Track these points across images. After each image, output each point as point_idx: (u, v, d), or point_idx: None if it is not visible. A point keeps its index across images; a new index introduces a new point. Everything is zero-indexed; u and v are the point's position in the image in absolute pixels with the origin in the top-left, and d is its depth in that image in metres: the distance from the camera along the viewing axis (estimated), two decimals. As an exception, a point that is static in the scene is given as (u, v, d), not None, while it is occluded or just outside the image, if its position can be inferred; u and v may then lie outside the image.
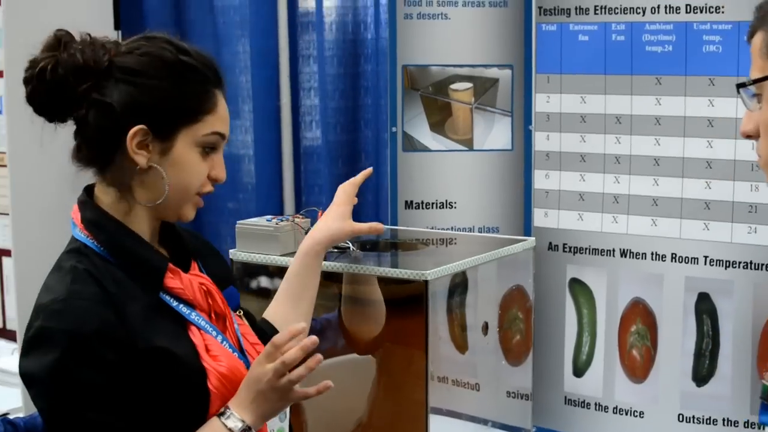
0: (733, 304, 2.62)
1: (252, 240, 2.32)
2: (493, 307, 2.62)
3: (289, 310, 2.01)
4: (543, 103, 2.83)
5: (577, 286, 2.84)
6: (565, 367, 2.87)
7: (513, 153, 2.93)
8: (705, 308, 2.66)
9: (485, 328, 2.52)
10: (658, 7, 2.63)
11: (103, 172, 1.65)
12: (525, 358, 2.72)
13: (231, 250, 2.36)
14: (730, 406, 2.63)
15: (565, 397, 2.88)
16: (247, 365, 1.69)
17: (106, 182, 1.65)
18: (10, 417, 2.10)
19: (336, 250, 2.37)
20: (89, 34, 1.62)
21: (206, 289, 1.70)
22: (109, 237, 1.62)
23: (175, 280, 1.65)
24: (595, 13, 2.72)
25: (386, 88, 3.39)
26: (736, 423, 2.63)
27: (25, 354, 1.55)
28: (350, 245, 2.38)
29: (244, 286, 2.41)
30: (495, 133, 2.94)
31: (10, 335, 3.58)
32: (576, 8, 2.75)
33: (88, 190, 1.68)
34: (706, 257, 2.64)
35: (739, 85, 1.57)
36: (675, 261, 2.68)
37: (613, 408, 2.80)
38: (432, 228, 2.90)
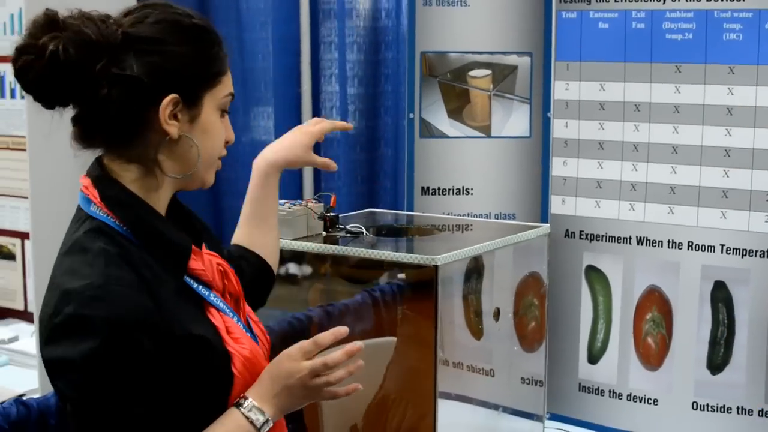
0: (749, 293, 2.62)
1: (266, 223, 2.33)
2: (508, 293, 2.62)
3: (256, 230, 1.96)
4: (562, 90, 2.83)
5: (593, 273, 2.84)
6: (579, 353, 2.87)
7: (531, 140, 2.93)
8: (721, 296, 2.65)
9: (497, 314, 2.52)
10: (678, -6, 2.63)
11: (125, 149, 1.55)
12: (539, 344, 2.73)
13: (246, 234, 2.37)
14: (745, 395, 2.63)
15: (580, 384, 2.88)
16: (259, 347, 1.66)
17: (125, 159, 1.55)
18: (24, 398, 2.13)
19: (349, 235, 2.38)
20: (79, 10, 1.52)
21: (223, 269, 1.66)
22: (135, 217, 1.54)
23: (197, 261, 1.60)
24: (615, 1, 2.71)
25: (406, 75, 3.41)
26: (750, 411, 2.63)
27: (54, 341, 1.45)
28: (363, 230, 2.39)
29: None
30: (513, 120, 2.94)
31: (31, 318, 3.63)
32: (596, -5, 2.74)
33: (100, 163, 1.58)
34: (722, 245, 2.63)
35: None
36: (691, 249, 2.68)
37: (627, 395, 2.80)
38: (448, 214, 2.90)
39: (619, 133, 2.75)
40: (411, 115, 2.92)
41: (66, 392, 1.47)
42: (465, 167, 2.95)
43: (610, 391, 2.82)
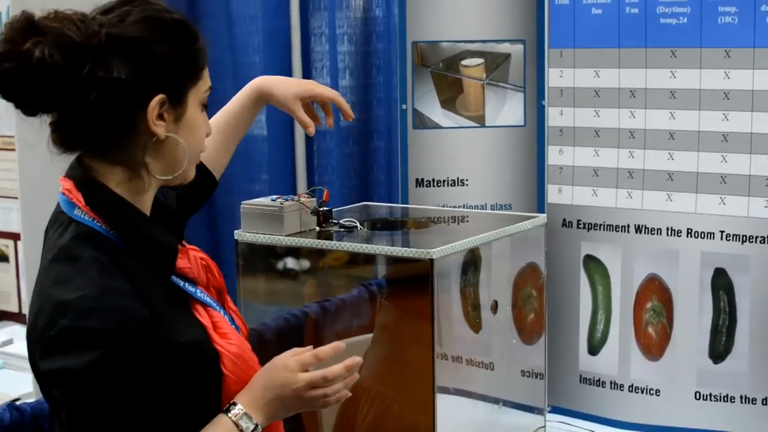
0: (750, 280, 2.58)
1: (257, 220, 2.31)
2: (506, 285, 2.60)
3: (219, 144, 2.01)
4: (556, 77, 2.79)
5: (592, 262, 2.81)
6: (579, 345, 2.84)
7: (526, 129, 2.89)
8: (721, 284, 2.62)
9: (494, 306, 2.49)
10: (672, -22, 2.59)
11: (110, 152, 1.52)
12: (539, 336, 2.70)
13: (236, 231, 2.35)
14: (748, 383, 2.60)
15: (580, 376, 2.85)
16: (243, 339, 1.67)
17: (109, 162, 1.52)
18: (18, 403, 2.10)
19: (343, 230, 2.35)
20: (55, 10, 1.48)
21: (206, 264, 1.65)
22: (122, 221, 1.52)
23: (183, 259, 1.59)
24: (609, -14, 2.68)
25: (398, 66, 3.37)
26: (754, 400, 2.59)
27: (51, 353, 1.43)
28: (357, 224, 2.36)
29: (251, 266, 2.40)
30: (507, 109, 2.90)
31: (25, 320, 3.59)
32: (588, -19, 2.71)
33: (82, 163, 1.55)
34: (722, 232, 2.60)
35: None
36: (691, 236, 2.64)
37: (629, 386, 2.77)
38: (443, 206, 2.87)
39: (615, 120, 2.72)
40: (404, 106, 2.89)
41: (65, 402, 1.45)
42: (459, 158, 2.91)
43: (611, 383, 2.79)
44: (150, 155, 1.53)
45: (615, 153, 2.73)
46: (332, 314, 2.55)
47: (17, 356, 3.44)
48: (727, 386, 2.62)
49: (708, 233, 2.62)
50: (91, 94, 1.44)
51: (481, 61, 2.87)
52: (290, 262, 2.43)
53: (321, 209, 2.35)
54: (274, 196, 2.33)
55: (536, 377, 2.71)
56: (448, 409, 2.29)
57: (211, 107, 3.68)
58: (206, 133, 1.63)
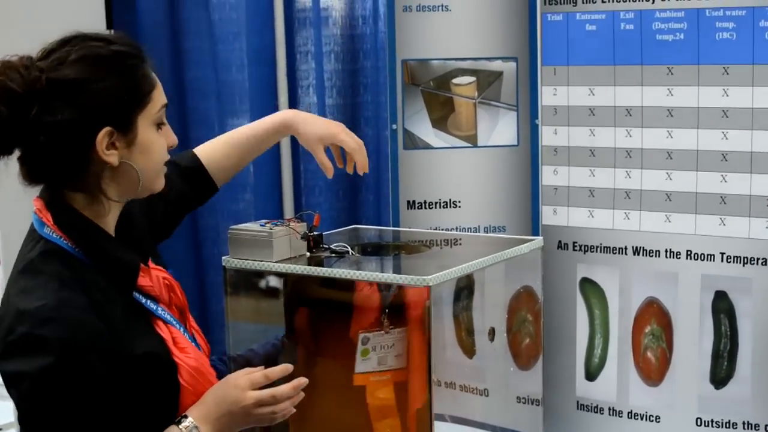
0: (751, 303, 2.53)
1: (245, 246, 2.22)
2: (500, 309, 2.53)
3: (229, 158, 2.16)
4: (549, 96, 2.73)
5: (589, 286, 2.75)
6: (576, 370, 2.78)
7: (519, 149, 2.84)
8: (722, 307, 2.57)
9: (492, 333, 2.42)
10: (668, -7, 2.54)
11: (70, 183, 1.64)
12: (534, 361, 2.63)
13: (224, 257, 2.26)
14: (751, 409, 2.54)
15: (577, 402, 2.79)
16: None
17: (70, 189, 1.65)
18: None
19: (334, 255, 2.27)
20: (2, 60, 1.59)
21: (168, 283, 1.75)
22: (86, 239, 1.64)
23: (145, 278, 1.70)
24: (603, 2, 2.62)
25: (386, 85, 3.31)
26: (757, 426, 2.54)
27: (8, 356, 1.56)
28: (349, 249, 2.28)
29: (238, 293, 2.32)
30: (500, 129, 2.85)
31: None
32: (582, -4, 2.66)
33: (54, 187, 1.67)
34: (722, 254, 2.54)
35: None
36: (690, 258, 2.58)
37: (628, 413, 2.71)
38: (435, 228, 2.81)
39: (611, 139, 2.66)
40: (394, 126, 2.83)
41: (18, 403, 1.59)
42: (451, 179, 2.86)
43: (609, 409, 2.73)
44: (106, 181, 1.65)
45: (611, 173, 2.67)
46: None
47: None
48: (729, 412, 2.57)
49: (708, 255, 2.56)
50: (39, 137, 1.56)
51: (472, 79, 2.82)
52: (277, 290, 2.35)
53: (311, 234, 2.27)
54: (263, 221, 2.25)
55: (532, 403, 2.64)
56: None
57: (195, 126, 3.64)
58: (169, 145, 1.73)
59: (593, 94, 2.67)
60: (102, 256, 1.65)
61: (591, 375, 2.76)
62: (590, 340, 2.75)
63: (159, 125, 1.69)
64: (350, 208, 3.46)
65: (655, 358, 2.66)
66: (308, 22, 3.41)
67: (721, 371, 2.58)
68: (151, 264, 1.76)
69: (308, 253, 2.27)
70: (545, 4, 2.70)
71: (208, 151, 2.16)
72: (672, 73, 2.56)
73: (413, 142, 2.84)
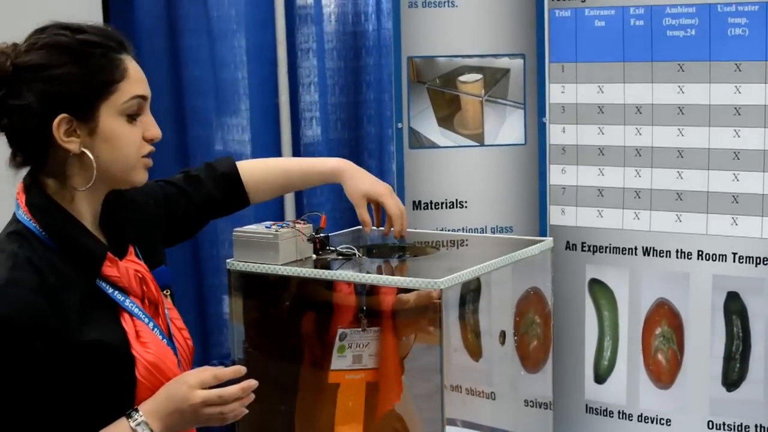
0: (764, 303, 2.49)
1: (251, 249, 2.18)
2: (508, 311, 2.48)
3: (271, 184, 2.21)
4: (558, 93, 2.69)
5: (598, 287, 2.71)
6: (585, 373, 2.75)
7: (526, 147, 2.80)
8: (734, 308, 2.53)
9: (503, 336, 2.37)
10: (679, -12, 2.50)
11: (42, 166, 1.69)
12: (543, 364, 2.59)
13: (228, 260, 2.22)
14: (763, 412, 2.51)
15: (586, 405, 2.75)
16: (175, 352, 1.76)
17: (43, 173, 1.70)
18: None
19: (341, 257, 2.22)
20: None
21: (141, 276, 1.76)
22: (52, 223, 1.67)
23: (112, 268, 1.71)
24: (611, -3, 2.59)
25: (389, 82, 3.27)
26: (769, 430, 2.50)
27: None
28: (356, 252, 2.23)
29: (243, 296, 2.27)
30: (507, 127, 2.81)
31: None
32: (591, -8, 2.62)
33: (34, 171, 1.71)
34: (734, 254, 2.51)
35: None
36: (702, 259, 2.55)
37: (638, 416, 2.67)
38: (442, 229, 2.77)
39: (620, 138, 2.63)
40: (399, 125, 2.79)
41: None
42: (458, 178, 2.83)
43: (619, 412, 2.70)
44: (72, 168, 1.68)
45: (621, 172, 2.63)
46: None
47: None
48: (741, 415, 2.53)
49: (720, 255, 2.53)
50: (3, 120, 1.64)
51: (479, 76, 2.78)
52: (282, 293, 2.30)
53: (318, 236, 2.22)
54: (269, 223, 2.21)
55: (540, 407, 2.60)
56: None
57: (194, 125, 3.59)
58: (151, 137, 1.75)
59: (602, 92, 2.64)
60: (65, 241, 1.68)
61: (600, 378, 2.73)
62: (599, 342, 2.72)
63: (131, 116, 1.71)
64: (353, 209, 3.41)
65: (666, 360, 2.62)
66: (309, 18, 3.37)
67: (733, 373, 2.54)
68: (130, 256, 1.77)
69: (314, 256, 2.23)
70: (553, -1, 2.67)
71: (251, 167, 2.20)
72: (683, 70, 2.52)
73: (419, 141, 2.80)
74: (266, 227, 2.19)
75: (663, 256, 2.60)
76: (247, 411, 1.73)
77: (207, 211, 2.14)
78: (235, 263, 2.21)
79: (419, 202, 2.81)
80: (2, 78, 1.63)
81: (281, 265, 2.15)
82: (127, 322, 1.70)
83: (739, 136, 2.47)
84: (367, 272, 2.12)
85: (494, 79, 2.79)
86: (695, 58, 2.50)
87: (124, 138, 1.70)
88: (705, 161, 2.52)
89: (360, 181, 2.23)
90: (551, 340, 2.56)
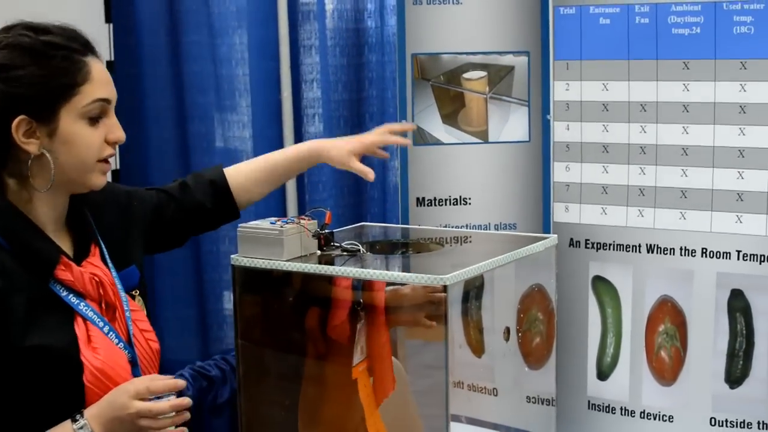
0: (767, 301, 2.48)
1: (255, 244, 2.17)
2: (511, 308, 2.48)
3: (254, 183, 2.20)
4: (562, 91, 2.69)
5: (601, 284, 2.71)
6: (588, 369, 2.74)
7: (530, 145, 2.80)
8: (738, 306, 2.53)
9: (507, 332, 2.37)
10: (685, -14, 2.50)
11: (3, 166, 1.71)
12: (545, 361, 2.58)
13: (233, 256, 2.21)
14: (766, 409, 2.51)
15: (589, 402, 2.75)
16: (132, 356, 1.77)
17: (6, 173, 1.72)
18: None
19: (345, 254, 2.22)
20: None
21: (98, 280, 1.76)
22: (5, 225, 1.69)
23: (66, 272, 1.72)
24: (616, -5, 2.59)
25: (391, 79, 3.27)
26: (773, 427, 2.50)
27: None
28: (360, 248, 2.23)
29: (247, 292, 2.27)
30: (511, 124, 2.81)
31: None
32: (596, -11, 2.61)
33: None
34: (738, 252, 2.51)
35: None
36: (705, 256, 2.55)
37: (641, 412, 2.67)
38: (445, 226, 2.77)
39: (625, 135, 2.62)
40: (403, 122, 2.77)
41: None
42: (462, 175, 2.83)
43: (621, 409, 2.69)
44: (35, 170, 1.70)
45: (625, 169, 2.63)
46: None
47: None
48: (744, 412, 2.53)
49: (724, 253, 2.52)
50: None
51: (483, 74, 2.77)
52: (287, 289, 2.30)
53: (322, 232, 2.22)
54: (273, 219, 2.20)
55: (542, 403, 2.59)
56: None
57: (194, 121, 3.58)
58: (114, 140, 1.76)
59: (607, 89, 2.63)
60: (17, 244, 1.69)
61: (603, 374, 2.72)
62: (602, 339, 2.71)
63: (93, 119, 1.72)
64: (355, 205, 3.42)
65: (669, 357, 2.62)
66: (312, 15, 3.36)
67: (737, 370, 2.54)
68: (92, 258, 1.78)
69: (319, 252, 2.22)
70: (557, -3, 2.67)
71: (237, 171, 2.21)
72: (688, 68, 2.52)
73: (423, 138, 2.80)
74: (271, 223, 2.18)
75: (667, 254, 2.60)
76: (182, 429, 1.74)
77: (195, 217, 2.15)
78: (240, 259, 2.20)
79: (423, 198, 2.81)
80: None
81: (286, 260, 2.15)
82: (80, 327, 1.71)
83: (744, 134, 2.47)
84: (371, 268, 2.11)
85: (498, 77, 2.79)
86: (700, 56, 2.49)
87: (84, 141, 1.72)
88: (710, 159, 2.52)
89: (341, 145, 2.22)
90: (554, 336, 2.56)
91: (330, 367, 2.29)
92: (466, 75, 2.79)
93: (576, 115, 2.68)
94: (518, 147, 2.81)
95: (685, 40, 2.50)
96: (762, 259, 2.48)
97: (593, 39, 2.63)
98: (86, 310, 1.73)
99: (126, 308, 1.81)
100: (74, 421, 1.67)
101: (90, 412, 1.68)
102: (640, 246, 2.63)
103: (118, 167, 3.56)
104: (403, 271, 2.19)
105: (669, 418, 2.63)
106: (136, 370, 1.78)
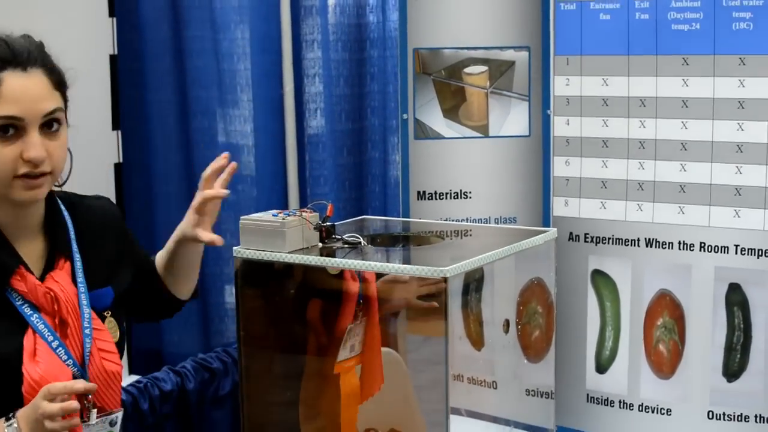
0: (765, 295, 2.50)
1: (257, 236, 2.18)
2: (511, 301, 2.49)
3: (165, 273, 2.13)
4: (562, 86, 2.71)
5: (600, 277, 2.72)
6: (587, 363, 2.75)
7: (531, 139, 2.81)
8: (736, 299, 2.54)
9: (506, 325, 2.39)
10: (684, -18, 2.51)
11: None
12: (544, 354, 2.59)
13: (235, 248, 2.22)
14: (763, 402, 2.52)
15: (587, 395, 2.76)
16: (82, 374, 1.76)
17: None
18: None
19: (347, 246, 2.23)
20: None
21: (53, 295, 1.76)
22: None
23: (21, 282, 1.73)
24: (617, -9, 2.60)
25: (393, 74, 3.28)
26: (769, 420, 2.51)
27: None
28: (361, 240, 2.24)
29: (248, 284, 2.28)
30: (512, 119, 2.81)
31: None
32: (596, -15, 2.62)
33: None
34: (736, 246, 2.52)
35: None
36: (704, 250, 2.56)
37: (639, 406, 2.69)
38: (446, 219, 2.78)
39: (624, 130, 2.63)
40: (405, 116, 2.79)
41: None
42: (462, 169, 2.83)
43: (620, 402, 2.71)
44: None
45: (624, 164, 2.64)
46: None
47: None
48: (741, 405, 2.55)
49: (722, 247, 2.54)
50: None
51: (484, 68, 2.78)
52: (288, 282, 2.31)
53: (324, 224, 2.23)
54: (275, 211, 2.21)
55: (542, 396, 2.61)
56: (455, 429, 2.18)
57: (196, 115, 3.59)
58: (28, 158, 1.70)
59: (606, 85, 2.65)
60: None
61: (602, 367, 2.74)
62: (601, 333, 2.73)
63: (4, 135, 1.68)
64: (356, 199, 3.43)
65: (667, 350, 2.63)
66: (314, 10, 3.37)
67: (734, 364, 2.55)
68: (58, 271, 1.79)
69: (320, 244, 2.24)
70: (558, -8, 2.68)
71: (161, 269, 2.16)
72: (687, 64, 2.53)
73: (424, 132, 2.81)
74: (273, 215, 2.20)
75: (665, 248, 2.61)
76: None
77: (138, 312, 2.14)
78: (242, 251, 2.21)
79: (424, 192, 2.81)
80: None
81: (288, 252, 2.16)
82: (29, 338, 1.72)
83: (742, 130, 2.48)
84: (372, 260, 2.13)
85: (499, 71, 2.79)
86: (699, 52, 2.51)
87: None
88: (708, 154, 2.53)
89: (187, 222, 2.10)
90: (553, 330, 2.57)
91: (331, 361, 2.30)
92: (467, 70, 2.79)
93: (576, 110, 2.69)
94: (518, 141, 2.81)
95: (684, 36, 2.52)
96: (760, 253, 2.49)
97: (593, 34, 2.64)
98: (38, 322, 1.74)
99: (86, 326, 1.81)
100: (7, 419, 1.69)
101: (20, 412, 1.69)
102: (638, 240, 2.65)
103: (121, 161, 3.58)
104: (403, 263, 2.20)
105: (667, 411, 2.65)
106: None
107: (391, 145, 3.35)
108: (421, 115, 2.80)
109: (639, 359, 2.67)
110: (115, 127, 3.57)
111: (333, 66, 3.37)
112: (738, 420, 2.55)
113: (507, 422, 2.51)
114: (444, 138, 2.81)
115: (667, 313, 2.63)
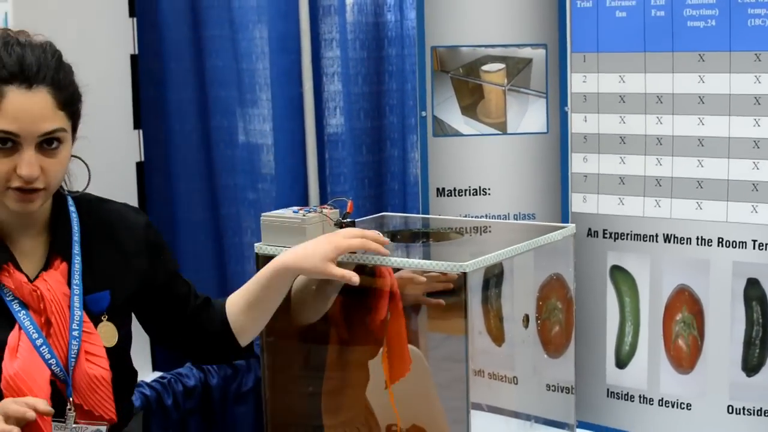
0: (784, 290, 2.51)
1: (278, 233, 2.22)
2: (530, 297, 2.52)
3: (239, 311, 2.04)
4: (579, 83, 2.71)
5: (619, 273, 2.73)
6: (606, 358, 2.76)
7: (548, 136, 2.81)
8: (754, 294, 2.54)
9: (526, 320, 2.41)
10: (700, -21, 2.52)
11: None
12: (564, 349, 2.62)
13: (256, 244, 2.26)
14: (783, 397, 2.53)
15: (608, 390, 2.77)
16: (65, 375, 1.77)
17: None
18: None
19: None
20: None
21: (38, 294, 1.77)
22: None
23: (8, 279, 1.76)
24: (633, -12, 2.60)
25: (411, 72, 3.29)
26: (789, 414, 2.52)
27: None
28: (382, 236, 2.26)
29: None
30: (529, 116, 2.82)
31: None
32: (613, -17, 2.63)
33: None
34: (754, 241, 2.52)
35: None
36: (722, 246, 2.57)
37: (659, 400, 2.69)
38: (465, 216, 2.79)
39: (642, 127, 2.64)
40: (423, 114, 2.81)
41: None
42: (481, 166, 2.83)
43: (640, 397, 2.72)
44: None
45: (642, 160, 2.65)
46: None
47: None
48: (761, 399, 2.55)
49: (740, 242, 2.54)
50: None
51: (502, 66, 2.79)
52: (310, 278, 2.33)
53: (344, 221, 2.26)
54: (296, 208, 2.25)
55: (562, 391, 2.63)
56: (477, 426, 2.20)
57: (216, 115, 3.63)
58: (17, 174, 1.71)
59: (623, 81, 2.66)
60: None
61: (621, 363, 2.74)
62: (620, 328, 2.73)
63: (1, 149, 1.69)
64: (376, 197, 3.45)
65: (686, 345, 2.64)
66: (333, 9, 3.38)
67: (753, 358, 2.56)
68: (51, 271, 1.80)
69: (341, 240, 2.26)
70: (574, -10, 2.69)
71: (232, 313, 2.06)
72: (703, 60, 2.53)
73: (443, 129, 2.82)
74: (294, 212, 2.23)
75: (683, 243, 2.62)
76: None
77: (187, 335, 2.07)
78: (263, 247, 2.25)
79: (443, 189, 2.83)
80: None
81: (309, 249, 2.19)
82: (13, 334, 1.75)
83: (759, 125, 2.48)
84: (392, 255, 2.15)
85: (517, 69, 2.80)
86: (715, 48, 2.51)
87: None
88: (725, 150, 2.53)
89: (311, 255, 1.98)
90: (573, 325, 2.59)
91: (353, 354, 2.33)
92: (484, 67, 2.80)
93: (593, 106, 2.71)
94: (536, 138, 2.83)
95: (700, 33, 2.52)
96: (777, 248, 2.50)
97: (610, 32, 2.65)
98: (24, 319, 1.76)
99: (75, 328, 1.80)
100: None
101: None
102: (657, 236, 2.66)
103: (142, 159, 3.62)
104: (423, 258, 2.22)
105: (687, 406, 2.66)
106: (68, 390, 1.78)
107: (410, 142, 3.36)
108: (440, 113, 2.82)
109: (658, 354, 2.68)
110: (136, 126, 3.60)
111: (351, 64, 3.39)
112: (758, 414, 2.55)
113: (528, 417, 2.54)
114: (462, 135, 2.83)
115: (686, 308, 2.64)
